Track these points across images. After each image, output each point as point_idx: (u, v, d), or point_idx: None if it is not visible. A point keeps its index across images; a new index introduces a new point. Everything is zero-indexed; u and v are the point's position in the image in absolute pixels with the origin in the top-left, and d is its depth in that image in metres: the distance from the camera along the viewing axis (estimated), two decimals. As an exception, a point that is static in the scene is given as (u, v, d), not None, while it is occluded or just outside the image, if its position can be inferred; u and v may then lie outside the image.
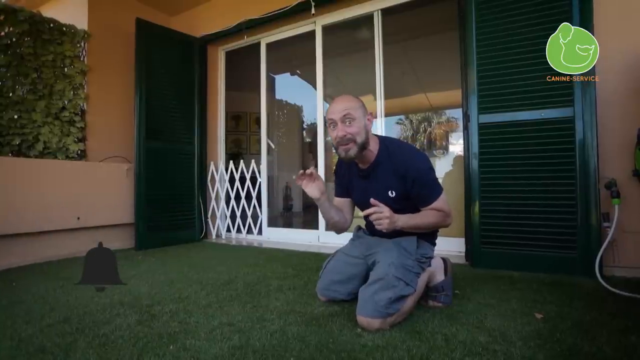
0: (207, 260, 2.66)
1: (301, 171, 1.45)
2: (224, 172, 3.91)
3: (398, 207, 1.42)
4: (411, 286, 1.35)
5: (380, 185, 1.49)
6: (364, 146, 1.45)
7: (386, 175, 1.48)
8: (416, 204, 1.47)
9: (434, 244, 1.59)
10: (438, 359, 1.06)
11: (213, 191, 3.88)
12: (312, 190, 1.48)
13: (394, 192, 1.47)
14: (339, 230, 1.64)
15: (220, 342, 1.19)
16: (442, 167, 3.49)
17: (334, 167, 1.77)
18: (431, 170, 1.46)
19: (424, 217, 1.43)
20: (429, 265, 1.53)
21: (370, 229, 1.71)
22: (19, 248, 2.62)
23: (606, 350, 1.09)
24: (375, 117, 3.00)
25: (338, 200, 1.70)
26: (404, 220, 1.37)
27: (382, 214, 1.30)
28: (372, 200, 1.33)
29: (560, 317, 1.37)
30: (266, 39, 3.72)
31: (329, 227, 1.64)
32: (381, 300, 1.26)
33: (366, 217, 1.50)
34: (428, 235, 1.54)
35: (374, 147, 1.51)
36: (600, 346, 1.11)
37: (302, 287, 1.85)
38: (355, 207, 1.71)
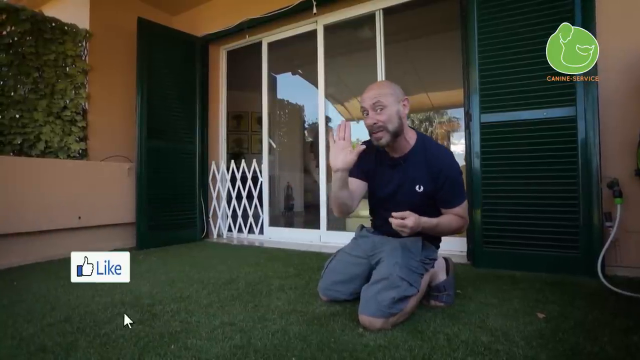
0: (208, 259, 2.65)
1: (338, 131, 1.36)
2: (225, 171, 3.91)
3: (422, 203, 1.42)
4: (415, 287, 1.34)
5: (409, 177, 1.46)
6: (396, 133, 1.42)
7: (417, 168, 1.45)
8: (439, 205, 1.45)
9: (438, 247, 1.59)
10: (440, 359, 1.05)
11: (214, 191, 3.88)
12: (336, 158, 1.35)
13: (422, 187, 1.44)
14: (342, 212, 1.50)
15: (222, 341, 1.19)
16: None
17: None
18: (462, 177, 1.46)
19: (446, 221, 1.41)
20: (432, 267, 1.52)
21: (377, 227, 1.69)
22: (20, 247, 2.63)
23: (609, 350, 1.08)
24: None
25: (350, 180, 1.54)
26: (427, 226, 1.35)
27: (405, 223, 1.26)
28: (393, 213, 1.28)
29: (563, 316, 1.36)
30: (268, 38, 3.71)
31: (333, 204, 1.50)
32: (384, 300, 1.26)
33: (380, 212, 1.46)
34: (433, 238, 1.54)
35: (410, 137, 1.49)
36: (602, 346, 1.11)
37: (303, 287, 1.84)
38: (360, 203, 1.61)
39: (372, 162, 1.57)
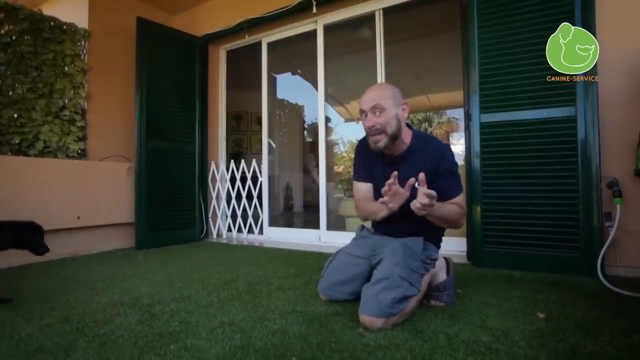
0: (208, 259, 2.65)
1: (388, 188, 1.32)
2: (225, 171, 3.91)
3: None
4: (415, 287, 1.34)
5: (407, 174, 1.42)
6: (394, 137, 1.43)
7: (416, 165, 1.44)
8: (441, 197, 1.39)
9: (439, 247, 1.58)
10: (441, 359, 1.05)
11: (214, 191, 3.87)
12: (394, 205, 1.35)
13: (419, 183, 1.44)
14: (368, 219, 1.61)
15: (222, 341, 1.19)
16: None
17: (355, 148, 1.71)
18: (458, 168, 1.48)
19: (449, 209, 1.39)
20: (433, 267, 1.52)
21: (377, 227, 1.69)
22: (19, 247, 2.61)
23: (609, 350, 1.08)
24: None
25: (365, 186, 1.61)
26: (437, 207, 1.28)
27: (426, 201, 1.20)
28: (411, 180, 1.28)
29: (563, 316, 1.36)
30: (267, 38, 3.71)
31: (364, 216, 1.59)
32: (385, 300, 1.25)
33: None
34: (434, 238, 1.54)
35: (406, 137, 1.50)
36: (603, 346, 1.11)
37: (303, 287, 1.84)
38: None
39: (374, 163, 1.60)
